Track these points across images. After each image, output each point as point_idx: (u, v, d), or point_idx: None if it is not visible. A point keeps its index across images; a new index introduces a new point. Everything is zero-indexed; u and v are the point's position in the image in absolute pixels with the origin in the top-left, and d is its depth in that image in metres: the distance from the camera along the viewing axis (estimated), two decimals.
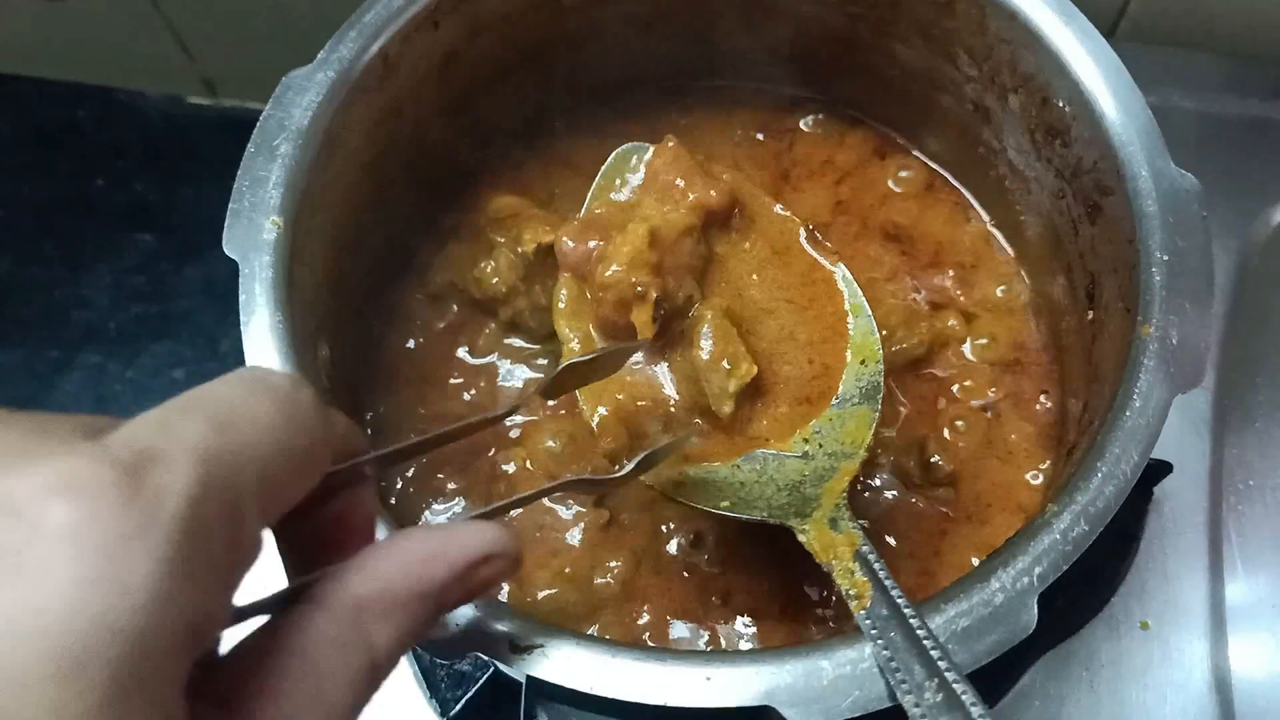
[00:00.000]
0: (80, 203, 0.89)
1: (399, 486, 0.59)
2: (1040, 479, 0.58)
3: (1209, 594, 0.61)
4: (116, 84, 0.92)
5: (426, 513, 0.59)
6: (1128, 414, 0.45)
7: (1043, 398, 0.61)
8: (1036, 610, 0.42)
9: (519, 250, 0.59)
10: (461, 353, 0.62)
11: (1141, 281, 0.48)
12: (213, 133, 0.92)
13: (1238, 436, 0.66)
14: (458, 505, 0.59)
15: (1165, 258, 0.48)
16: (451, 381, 0.61)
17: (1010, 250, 0.65)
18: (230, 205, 0.51)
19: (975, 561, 0.56)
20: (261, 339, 0.48)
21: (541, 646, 0.42)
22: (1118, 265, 0.51)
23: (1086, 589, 0.61)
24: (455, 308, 0.63)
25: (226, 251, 0.50)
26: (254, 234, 0.50)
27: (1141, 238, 0.49)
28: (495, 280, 0.59)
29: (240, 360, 0.47)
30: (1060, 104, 0.54)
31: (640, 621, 0.55)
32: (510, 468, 0.58)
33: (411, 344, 0.63)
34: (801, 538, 0.47)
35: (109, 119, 0.92)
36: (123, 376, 0.82)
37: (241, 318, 0.48)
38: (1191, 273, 0.48)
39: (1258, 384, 0.69)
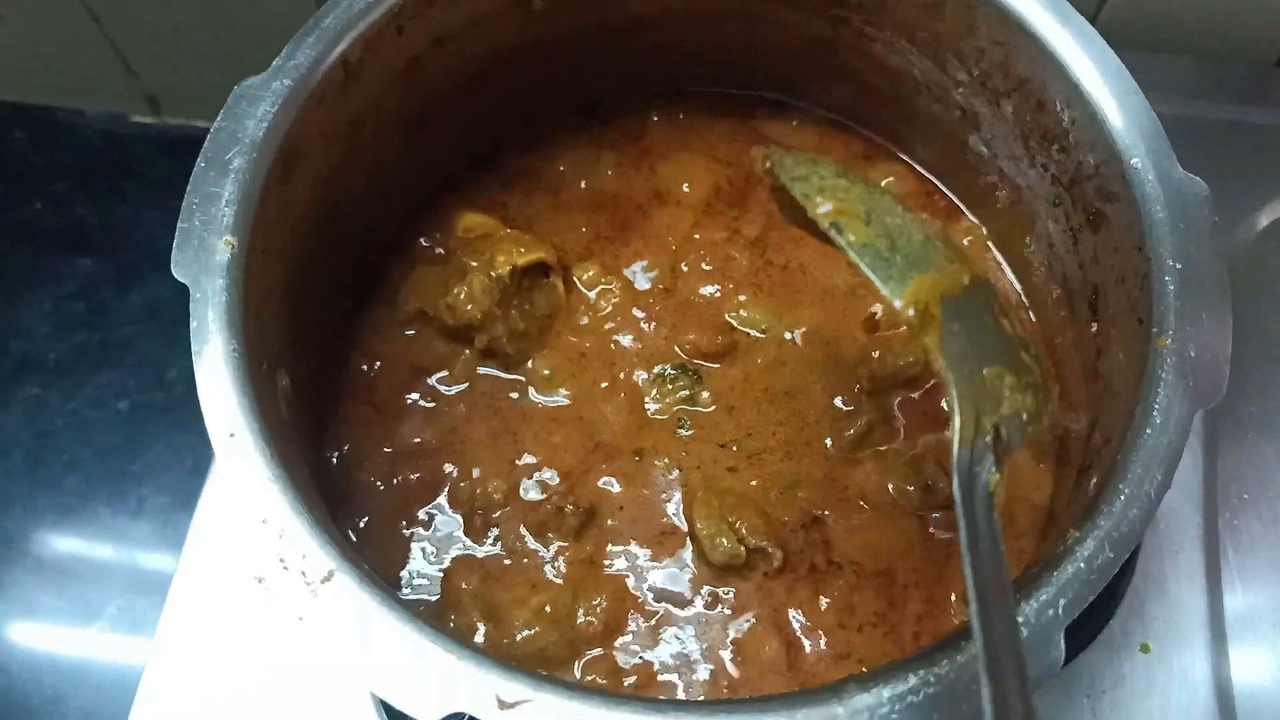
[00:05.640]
0: (16, 227, 0.85)
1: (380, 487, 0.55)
2: (1043, 497, 0.56)
3: (1208, 612, 0.59)
4: (54, 102, 0.89)
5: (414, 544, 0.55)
6: (1148, 432, 0.43)
7: None
8: (1064, 646, 0.39)
9: (493, 274, 0.56)
10: (434, 382, 0.58)
11: (1154, 291, 0.46)
12: (156, 152, 0.89)
13: (1230, 449, 0.64)
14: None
15: (1177, 266, 0.46)
16: (421, 415, 0.57)
17: (1001, 257, 0.63)
18: (179, 224, 0.47)
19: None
20: (215, 370, 0.44)
21: (530, 701, 0.38)
22: (1125, 274, 0.49)
23: (1085, 611, 0.59)
24: (425, 334, 0.59)
25: (175, 274, 0.46)
26: (206, 255, 0.46)
27: (1151, 245, 0.47)
28: (469, 306, 0.56)
29: (189, 391, 0.44)
30: (1058, 108, 0.52)
31: (626, 667, 0.52)
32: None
33: (377, 374, 0.58)
34: None
35: (46, 139, 0.89)
36: (64, 409, 0.78)
37: (193, 346, 0.44)
38: (1205, 281, 0.46)
39: (1249, 395, 0.67)
